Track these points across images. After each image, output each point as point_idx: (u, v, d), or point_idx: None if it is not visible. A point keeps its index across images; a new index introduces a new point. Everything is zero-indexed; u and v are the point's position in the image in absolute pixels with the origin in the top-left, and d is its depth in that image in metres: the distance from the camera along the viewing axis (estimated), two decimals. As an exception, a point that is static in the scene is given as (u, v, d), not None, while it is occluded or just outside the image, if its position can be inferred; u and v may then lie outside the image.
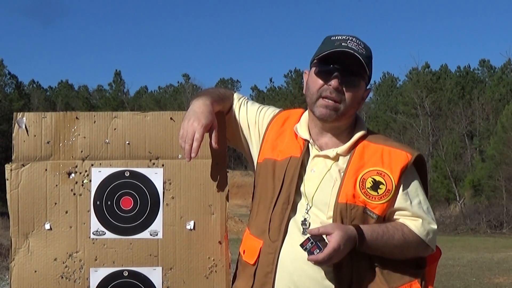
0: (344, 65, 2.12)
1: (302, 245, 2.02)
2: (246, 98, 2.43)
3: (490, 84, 51.50)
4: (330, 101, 2.13)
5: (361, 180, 2.11)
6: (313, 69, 2.19)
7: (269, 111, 2.36)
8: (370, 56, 2.19)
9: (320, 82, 2.15)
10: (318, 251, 1.99)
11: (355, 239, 2.03)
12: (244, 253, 2.25)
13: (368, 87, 2.24)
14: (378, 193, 2.10)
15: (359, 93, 2.18)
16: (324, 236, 2.02)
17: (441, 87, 50.02)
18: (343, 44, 2.13)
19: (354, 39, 2.16)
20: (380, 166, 2.13)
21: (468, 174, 38.36)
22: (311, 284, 2.10)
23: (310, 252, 2.01)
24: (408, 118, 46.78)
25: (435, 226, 2.16)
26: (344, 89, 2.13)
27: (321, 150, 2.21)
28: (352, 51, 2.11)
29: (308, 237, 2.02)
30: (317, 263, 2.02)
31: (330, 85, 2.12)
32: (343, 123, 2.20)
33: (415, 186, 2.17)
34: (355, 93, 2.16)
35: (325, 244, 2.00)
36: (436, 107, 46.76)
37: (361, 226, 2.06)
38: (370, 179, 2.11)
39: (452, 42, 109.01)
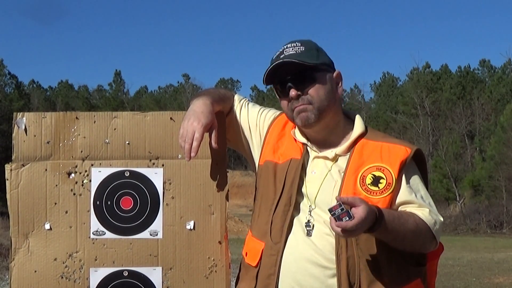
0: (290, 72, 2.13)
1: (331, 210, 1.94)
2: (247, 99, 2.43)
3: (490, 84, 51.48)
4: (300, 106, 2.14)
5: (361, 178, 2.11)
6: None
7: (270, 114, 2.36)
8: (312, 47, 2.18)
9: (285, 101, 2.17)
10: (347, 219, 1.92)
11: (375, 215, 1.96)
12: (246, 255, 2.25)
13: (336, 71, 2.21)
14: (379, 187, 2.09)
15: (324, 84, 2.16)
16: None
17: (441, 87, 50.01)
18: (281, 56, 2.15)
19: (290, 44, 2.18)
20: (379, 162, 2.12)
21: (468, 174, 38.33)
22: (315, 283, 2.10)
23: (338, 218, 1.93)
24: (408, 118, 46.80)
25: (441, 218, 2.15)
26: (304, 91, 2.13)
27: (320, 152, 2.21)
28: (279, 61, 2.12)
29: (339, 203, 1.94)
30: (344, 231, 1.93)
31: (291, 97, 2.13)
32: (329, 120, 2.18)
33: (416, 181, 2.16)
34: (318, 87, 2.14)
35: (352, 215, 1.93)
36: (436, 107, 46.77)
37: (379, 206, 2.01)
38: (370, 176, 2.10)
39: (452, 42, 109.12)
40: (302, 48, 2.15)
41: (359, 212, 1.92)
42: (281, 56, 2.15)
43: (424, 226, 2.09)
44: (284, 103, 2.19)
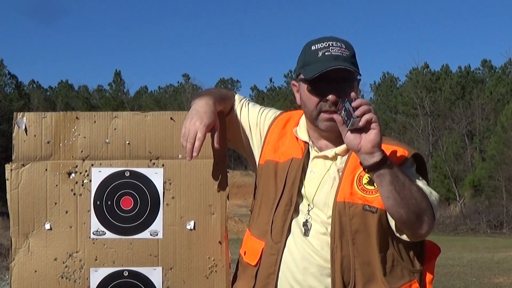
0: (334, 76, 2.08)
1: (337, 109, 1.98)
2: (248, 99, 2.43)
3: (490, 84, 51.46)
4: (332, 115, 2.10)
5: (358, 178, 2.10)
6: (304, 86, 2.15)
7: (270, 113, 2.36)
8: (354, 54, 2.16)
9: (315, 99, 2.13)
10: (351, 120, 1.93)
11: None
12: (245, 254, 2.25)
13: (358, 78, 2.20)
14: (375, 186, 2.08)
15: (354, 92, 2.16)
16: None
17: (440, 87, 50.01)
18: (326, 53, 2.10)
19: (335, 43, 2.13)
20: None
21: (468, 174, 38.34)
22: (314, 282, 2.10)
23: (348, 116, 1.94)
24: (408, 118, 46.81)
25: (437, 194, 2.10)
26: (340, 98, 2.11)
27: (321, 151, 2.21)
28: (339, 66, 2.06)
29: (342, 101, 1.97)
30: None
31: (328, 99, 2.09)
32: None
33: (414, 176, 2.11)
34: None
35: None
36: (436, 107, 46.78)
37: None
38: (366, 176, 2.09)
39: (452, 42, 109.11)
40: (347, 53, 2.12)
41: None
42: (327, 54, 2.09)
43: (423, 192, 2.03)
44: (314, 100, 2.13)
